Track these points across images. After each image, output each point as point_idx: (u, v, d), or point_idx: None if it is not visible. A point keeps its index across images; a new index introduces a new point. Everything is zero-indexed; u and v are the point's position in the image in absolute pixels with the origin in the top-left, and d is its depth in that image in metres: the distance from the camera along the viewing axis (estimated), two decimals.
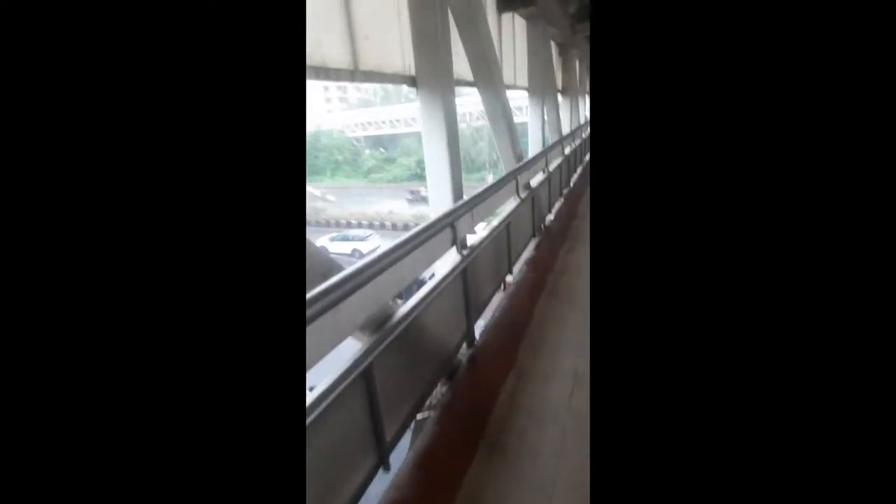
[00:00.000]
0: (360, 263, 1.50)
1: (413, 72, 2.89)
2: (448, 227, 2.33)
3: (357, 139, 35.93)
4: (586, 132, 9.19)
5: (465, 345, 2.54)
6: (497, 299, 3.18)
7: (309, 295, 1.21)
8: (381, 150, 34.35)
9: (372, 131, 35.46)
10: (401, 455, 1.76)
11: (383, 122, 34.72)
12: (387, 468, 1.65)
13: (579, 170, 7.48)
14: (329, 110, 47.17)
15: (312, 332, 1.19)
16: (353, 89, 51.06)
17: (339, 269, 1.52)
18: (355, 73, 2.57)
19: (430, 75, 2.82)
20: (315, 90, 49.09)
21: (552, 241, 4.43)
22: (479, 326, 2.79)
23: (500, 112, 4.11)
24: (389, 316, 1.74)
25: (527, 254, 4.05)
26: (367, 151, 34.58)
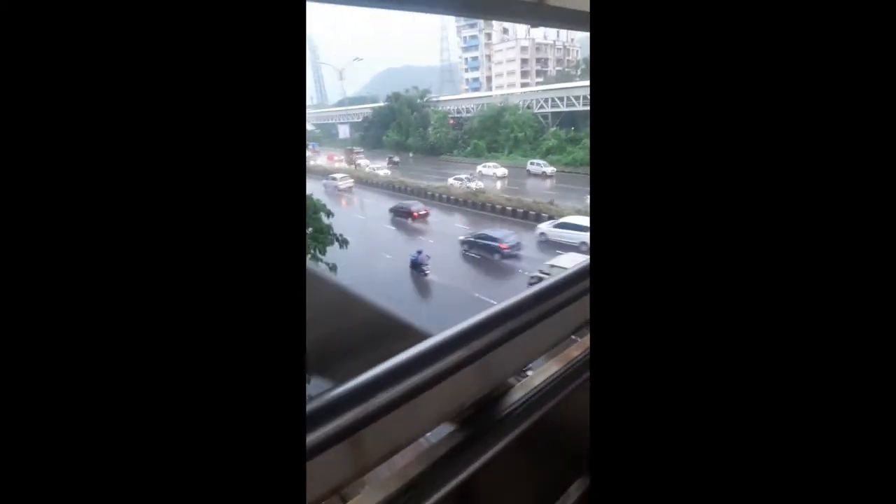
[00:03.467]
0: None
1: None
2: None
3: (545, 115, 32.90)
4: None
5: None
6: None
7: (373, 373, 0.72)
8: (572, 128, 30.56)
9: (563, 107, 31.94)
10: None
11: (577, 98, 30.78)
12: None
13: None
14: (524, 83, 45.00)
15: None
16: (554, 62, 47.44)
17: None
18: None
19: None
20: (510, 64, 47.01)
21: None
22: None
23: None
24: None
25: None
26: (553, 129, 31.26)
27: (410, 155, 36.76)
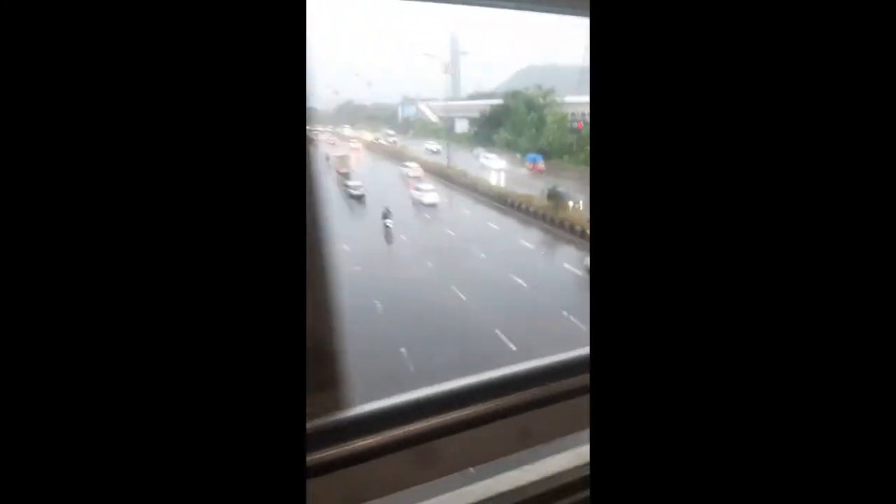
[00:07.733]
0: None
1: None
2: None
3: None
4: None
5: None
6: None
7: None
8: None
9: None
10: None
11: None
12: None
13: None
14: None
15: None
16: None
17: None
18: None
19: None
20: None
21: None
22: None
23: None
24: None
25: None
26: None
27: (518, 156, 34.16)
